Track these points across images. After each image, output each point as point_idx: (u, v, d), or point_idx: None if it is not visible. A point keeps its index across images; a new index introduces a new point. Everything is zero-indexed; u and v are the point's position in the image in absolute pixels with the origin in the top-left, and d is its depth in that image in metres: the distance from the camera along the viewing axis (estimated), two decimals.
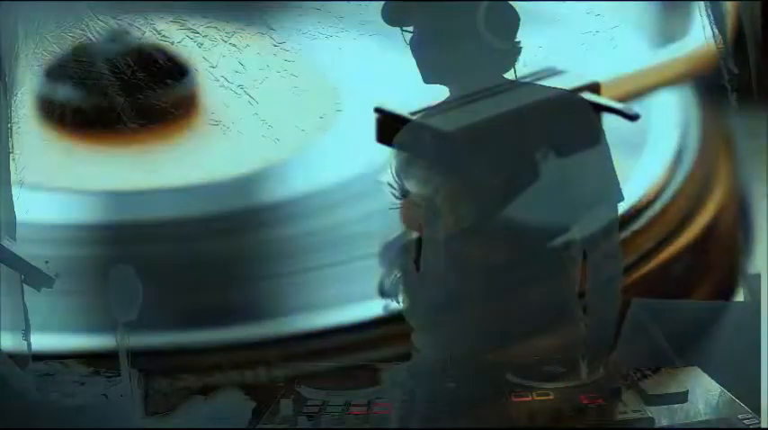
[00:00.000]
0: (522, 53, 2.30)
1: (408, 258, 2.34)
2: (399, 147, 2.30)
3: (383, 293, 2.38)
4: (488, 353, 2.23)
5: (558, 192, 2.23)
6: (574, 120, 2.28)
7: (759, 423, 1.98)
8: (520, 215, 2.23)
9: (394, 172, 2.33)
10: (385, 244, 2.36)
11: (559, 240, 2.24)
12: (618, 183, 2.29)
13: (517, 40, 2.27)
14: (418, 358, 2.29)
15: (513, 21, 2.27)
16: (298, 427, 2.03)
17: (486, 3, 2.22)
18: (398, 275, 2.36)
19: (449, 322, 2.25)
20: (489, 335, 2.24)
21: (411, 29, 2.27)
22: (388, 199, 2.39)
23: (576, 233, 2.24)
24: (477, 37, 2.23)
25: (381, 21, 2.33)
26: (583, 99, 2.30)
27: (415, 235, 2.32)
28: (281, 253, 2.65)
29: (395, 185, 2.33)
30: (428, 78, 2.28)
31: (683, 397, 2.05)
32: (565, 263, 2.25)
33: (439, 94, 2.34)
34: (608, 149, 2.28)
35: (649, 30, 2.70)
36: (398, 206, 2.35)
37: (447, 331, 2.24)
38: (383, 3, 2.29)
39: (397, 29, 2.29)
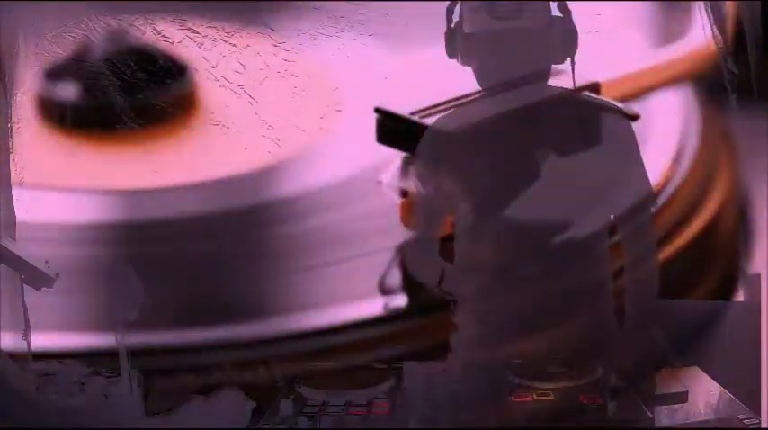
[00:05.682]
0: None
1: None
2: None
3: (384, 291, 2.38)
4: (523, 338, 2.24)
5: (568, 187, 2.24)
6: (575, 119, 2.28)
7: (759, 423, 1.97)
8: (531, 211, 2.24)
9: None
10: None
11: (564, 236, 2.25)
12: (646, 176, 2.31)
13: None
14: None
15: None
16: (298, 427, 2.03)
17: None
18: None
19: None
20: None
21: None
22: (388, 199, 2.39)
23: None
24: None
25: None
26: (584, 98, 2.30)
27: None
28: (281, 252, 2.65)
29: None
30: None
31: (683, 397, 2.05)
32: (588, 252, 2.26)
33: (438, 94, 2.35)
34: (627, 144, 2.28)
35: (649, 30, 2.70)
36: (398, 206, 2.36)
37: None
38: None
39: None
